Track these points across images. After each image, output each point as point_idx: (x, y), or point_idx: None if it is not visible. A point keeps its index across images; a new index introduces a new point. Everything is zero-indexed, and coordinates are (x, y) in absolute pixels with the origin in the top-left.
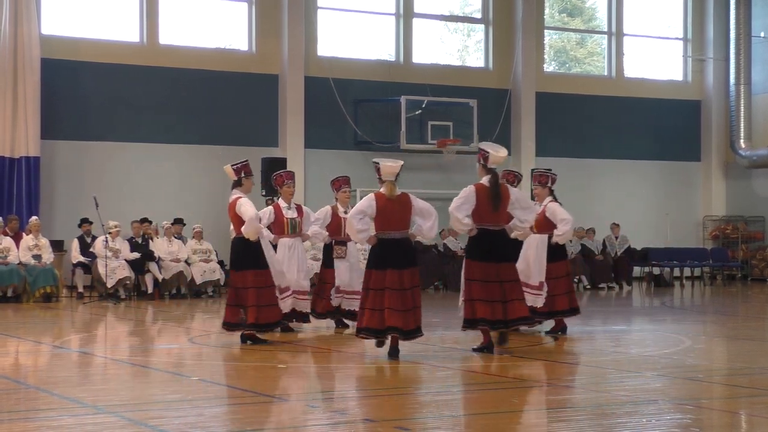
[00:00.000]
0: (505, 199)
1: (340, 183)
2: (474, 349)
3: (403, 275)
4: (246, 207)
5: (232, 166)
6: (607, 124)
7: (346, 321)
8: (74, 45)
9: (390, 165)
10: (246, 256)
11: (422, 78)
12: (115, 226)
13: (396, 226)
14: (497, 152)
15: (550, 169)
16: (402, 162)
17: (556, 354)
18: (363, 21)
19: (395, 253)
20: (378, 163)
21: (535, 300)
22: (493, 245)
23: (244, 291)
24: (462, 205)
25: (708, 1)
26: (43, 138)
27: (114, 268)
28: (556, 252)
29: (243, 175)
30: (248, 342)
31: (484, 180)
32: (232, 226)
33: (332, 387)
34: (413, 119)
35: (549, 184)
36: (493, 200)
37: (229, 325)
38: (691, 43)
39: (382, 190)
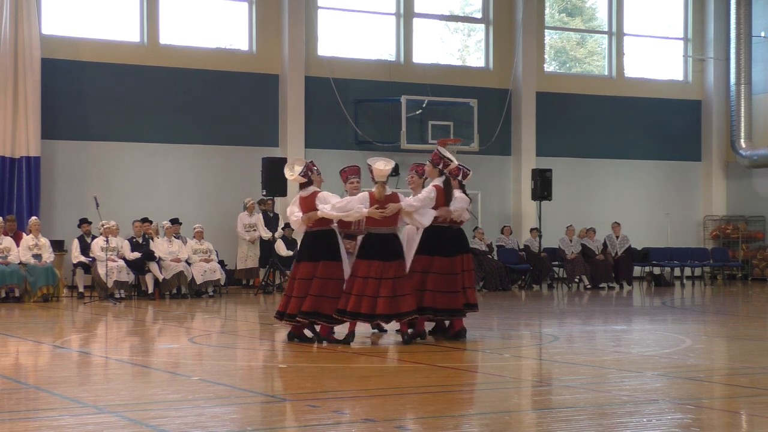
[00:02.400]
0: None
1: (347, 174)
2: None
3: (388, 267)
4: (329, 196)
5: (299, 174)
6: (607, 123)
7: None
8: (75, 45)
9: (380, 169)
10: (322, 247)
11: (422, 78)
12: (102, 225)
13: (384, 223)
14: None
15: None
16: (393, 163)
17: (556, 354)
18: (363, 21)
19: (383, 246)
20: (370, 165)
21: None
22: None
23: (309, 282)
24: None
25: (708, 1)
26: (44, 138)
27: (112, 268)
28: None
29: (310, 173)
30: (295, 340)
31: (438, 181)
32: (301, 221)
33: (332, 387)
34: (413, 119)
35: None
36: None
37: (282, 315)
38: (692, 42)
39: (373, 190)
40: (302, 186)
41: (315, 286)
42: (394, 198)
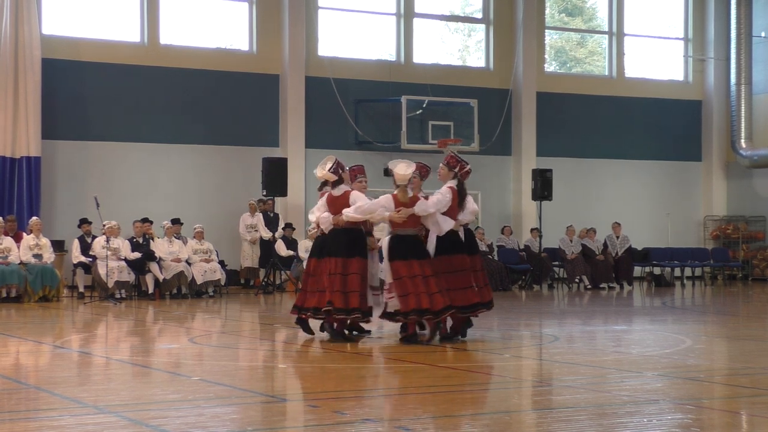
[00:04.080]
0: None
1: (355, 173)
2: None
3: (425, 264)
4: (359, 196)
5: (328, 170)
6: (607, 124)
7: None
8: (75, 45)
9: (401, 174)
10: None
11: (423, 78)
12: (104, 225)
13: (408, 224)
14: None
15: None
16: (414, 165)
17: (556, 354)
18: (363, 21)
19: (410, 245)
20: (391, 169)
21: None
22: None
23: (345, 276)
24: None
25: (709, 1)
26: (44, 138)
27: (113, 268)
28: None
29: (341, 171)
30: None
31: (452, 183)
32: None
33: (332, 387)
34: (414, 119)
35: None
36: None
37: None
38: (692, 42)
39: (396, 193)
40: (333, 184)
41: (354, 281)
42: (415, 200)
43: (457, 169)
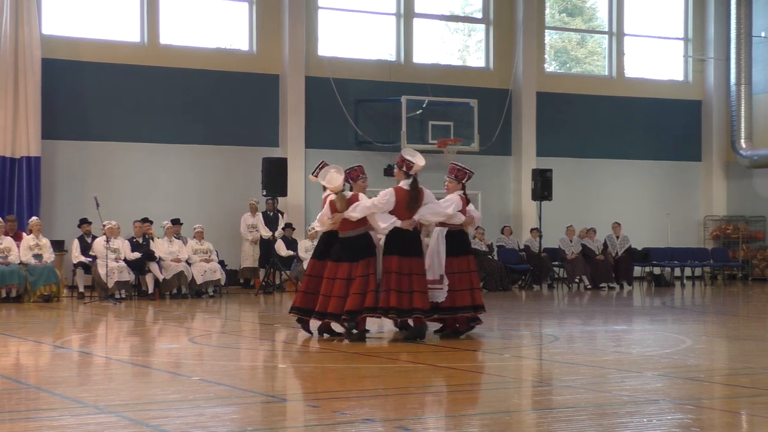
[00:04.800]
0: (421, 201)
1: (358, 173)
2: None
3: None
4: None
5: (343, 181)
6: (607, 124)
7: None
8: (75, 45)
9: (333, 185)
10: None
11: (423, 78)
12: (104, 225)
13: (348, 227)
14: (418, 162)
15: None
16: (343, 173)
17: (556, 354)
18: (363, 21)
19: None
20: (410, 160)
21: (436, 295)
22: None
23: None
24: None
25: (708, 1)
26: (44, 138)
27: (113, 268)
28: (458, 246)
29: (352, 181)
30: (324, 335)
31: (404, 184)
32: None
33: (332, 387)
34: (414, 119)
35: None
36: (411, 202)
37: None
38: (692, 43)
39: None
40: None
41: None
42: (354, 201)
43: (465, 181)
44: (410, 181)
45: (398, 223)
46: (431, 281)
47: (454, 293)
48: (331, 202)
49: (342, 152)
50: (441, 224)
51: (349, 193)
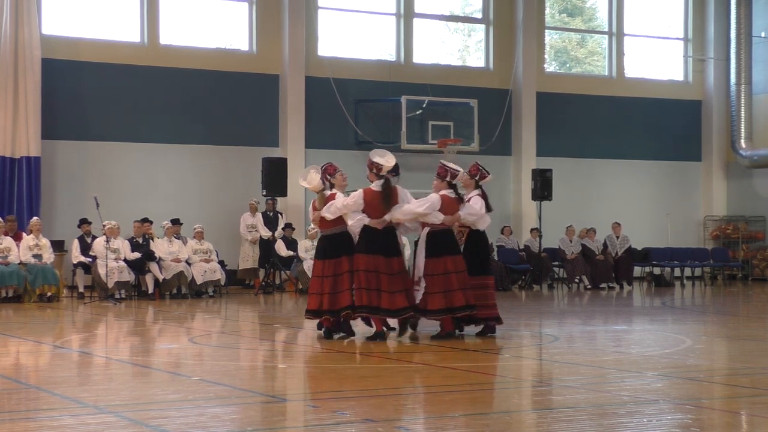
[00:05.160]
0: (394, 200)
1: (332, 168)
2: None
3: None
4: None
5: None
6: (607, 124)
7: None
8: (75, 45)
9: (313, 186)
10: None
11: (423, 78)
12: (104, 226)
13: (327, 225)
14: (388, 162)
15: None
16: (320, 171)
17: (556, 354)
18: (363, 21)
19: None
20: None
21: (417, 296)
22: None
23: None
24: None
25: (708, 1)
26: (44, 138)
27: (113, 268)
28: (438, 247)
29: (330, 177)
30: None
31: (375, 185)
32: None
33: (332, 387)
34: (414, 119)
35: (449, 179)
36: (384, 202)
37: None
38: (692, 43)
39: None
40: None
41: (400, 280)
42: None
43: (477, 178)
44: (382, 182)
45: (366, 221)
46: (416, 282)
47: (426, 296)
48: (313, 202)
49: (342, 152)
50: (425, 224)
51: (328, 192)
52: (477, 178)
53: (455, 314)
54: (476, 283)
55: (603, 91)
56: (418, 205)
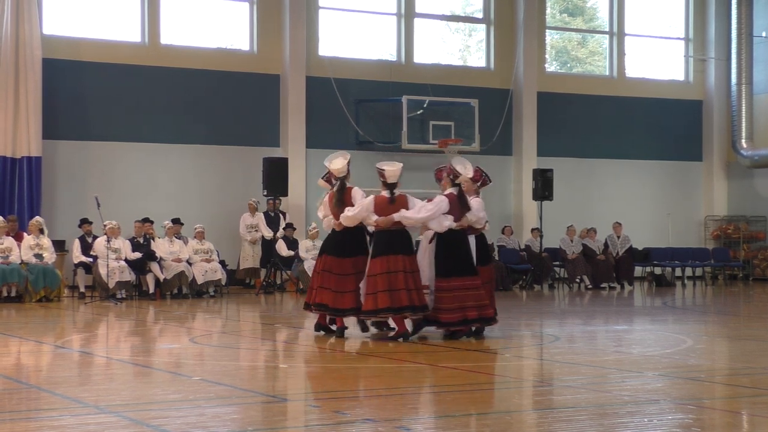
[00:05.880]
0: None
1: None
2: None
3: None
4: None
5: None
6: (608, 123)
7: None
8: (76, 45)
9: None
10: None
11: (423, 78)
12: (105, 225)
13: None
14: (467, 171)
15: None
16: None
17: (557, 354)
18: (364, 21)
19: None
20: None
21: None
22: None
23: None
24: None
25: (709, 1)
26: (45, 138)
27: (114, 268)
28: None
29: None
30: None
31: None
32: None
33: (332, 387)
34: (414, 119)
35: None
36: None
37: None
38: (693, 42)
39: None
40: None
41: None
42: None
43: (479, 184)
44: (456, 189)
45: (453, 224)
46: (425, 285)
47: (366, 296)
48: (330, 197)
49: (342, 152)
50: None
51: (326, 194)
52: (479, 184)
53: (402, 314)
54: (457, 284)
55: (604, 91)
56: (413, 212)
